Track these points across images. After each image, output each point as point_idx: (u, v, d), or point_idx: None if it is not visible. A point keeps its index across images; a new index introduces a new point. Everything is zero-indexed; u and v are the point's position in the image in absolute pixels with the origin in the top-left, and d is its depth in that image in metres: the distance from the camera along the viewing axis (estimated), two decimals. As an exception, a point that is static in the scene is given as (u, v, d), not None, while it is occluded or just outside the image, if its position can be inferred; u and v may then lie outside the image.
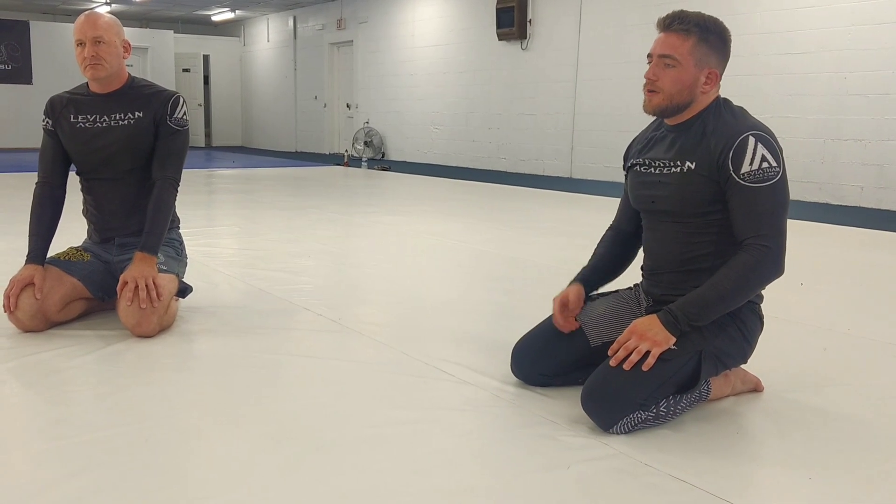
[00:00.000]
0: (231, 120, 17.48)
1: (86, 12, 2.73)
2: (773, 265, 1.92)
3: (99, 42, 2.65)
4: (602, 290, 2.34)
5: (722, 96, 2.06)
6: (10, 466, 1.72)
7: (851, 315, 3.19)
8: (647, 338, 1.90)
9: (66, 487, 1.60)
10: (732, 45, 2.05)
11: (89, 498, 1.57)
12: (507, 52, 10.39)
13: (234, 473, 1.69)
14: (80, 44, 2.66)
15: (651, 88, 2.02)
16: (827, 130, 7.08)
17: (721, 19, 2.05)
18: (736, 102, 2.08)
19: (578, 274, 2.30)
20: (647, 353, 1.89)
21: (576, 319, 2.20)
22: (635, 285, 2.29)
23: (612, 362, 1.91)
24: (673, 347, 1.91)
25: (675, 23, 1.98)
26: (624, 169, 2.28)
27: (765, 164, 1.91)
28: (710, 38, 1.98)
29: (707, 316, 1.93)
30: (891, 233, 5.48)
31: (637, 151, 2.21)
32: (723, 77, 2.04)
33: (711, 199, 1.99)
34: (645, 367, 1.88)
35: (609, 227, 2.36)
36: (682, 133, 2.05)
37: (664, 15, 2.01)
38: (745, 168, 1.91)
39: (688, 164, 2.00)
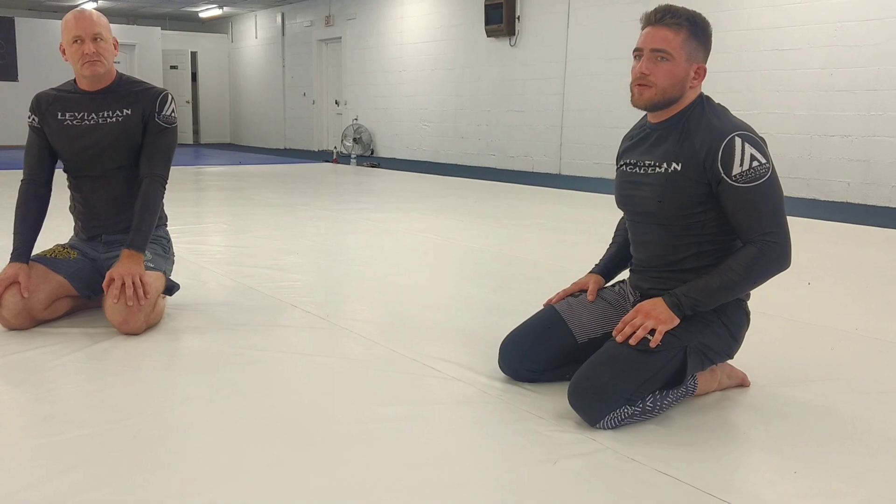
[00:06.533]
0: (219, 117, 17.42)
1: (78, 8, 2.74)
2: (779, 257, 1.94)
3: (98, 39, 2.67)
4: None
5: (704, 93, 2.07)
6: (-4, 465, 1.71)
7: (839, 310, 3.22)
8: (653, 316, 1.92)
9: (54, 484, 1.60)
10: (719, 41, 2.05)
11: (77, 495, 1.56)
12: (496, 48, 10.39)
13: (222, 470, 1.69)
14: (79, 40, 2.66)
15: (642, 83, 2.00)
16: (814, 126, 7.12)
17: (706, 15, 2.06)
18: (723, 99, 2.09)
19: (597, 265, 2.34)
20: (652, 332, 1.91)
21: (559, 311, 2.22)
22: (622, 282, 2.30)
23: (620, 338, 1.92)
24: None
25: (667, 17, 1.98)
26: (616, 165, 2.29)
27: (755, 163, 1.92)
28: (698, 32, 1.99)
29: (710, 303, 1.96)
30: (877, 228, 5.51)
31: (625, 149, 2.21)
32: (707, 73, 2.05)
33: (696, 202, 1.99)
34: (652, 344, 1.89)
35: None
36: (665, 131, 2.05)
37: (651, 10, 2.01)
38: (737, 170, 1.92)
39: (674, 165, 2.00)
